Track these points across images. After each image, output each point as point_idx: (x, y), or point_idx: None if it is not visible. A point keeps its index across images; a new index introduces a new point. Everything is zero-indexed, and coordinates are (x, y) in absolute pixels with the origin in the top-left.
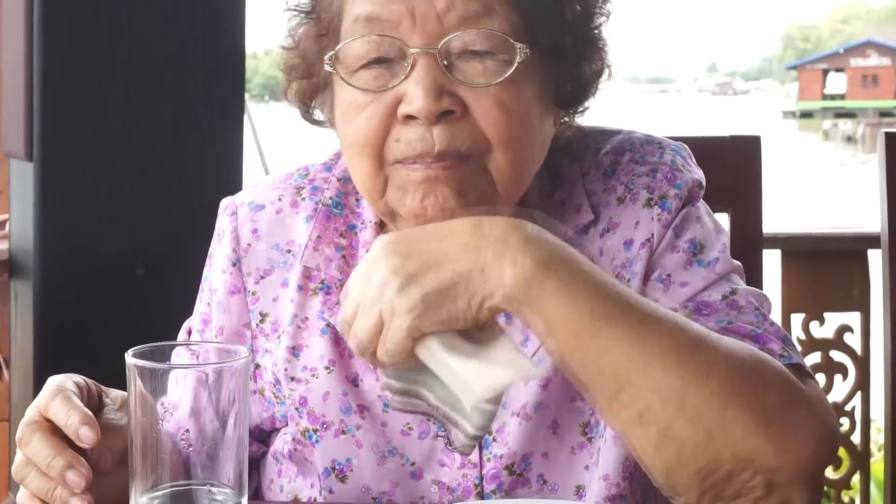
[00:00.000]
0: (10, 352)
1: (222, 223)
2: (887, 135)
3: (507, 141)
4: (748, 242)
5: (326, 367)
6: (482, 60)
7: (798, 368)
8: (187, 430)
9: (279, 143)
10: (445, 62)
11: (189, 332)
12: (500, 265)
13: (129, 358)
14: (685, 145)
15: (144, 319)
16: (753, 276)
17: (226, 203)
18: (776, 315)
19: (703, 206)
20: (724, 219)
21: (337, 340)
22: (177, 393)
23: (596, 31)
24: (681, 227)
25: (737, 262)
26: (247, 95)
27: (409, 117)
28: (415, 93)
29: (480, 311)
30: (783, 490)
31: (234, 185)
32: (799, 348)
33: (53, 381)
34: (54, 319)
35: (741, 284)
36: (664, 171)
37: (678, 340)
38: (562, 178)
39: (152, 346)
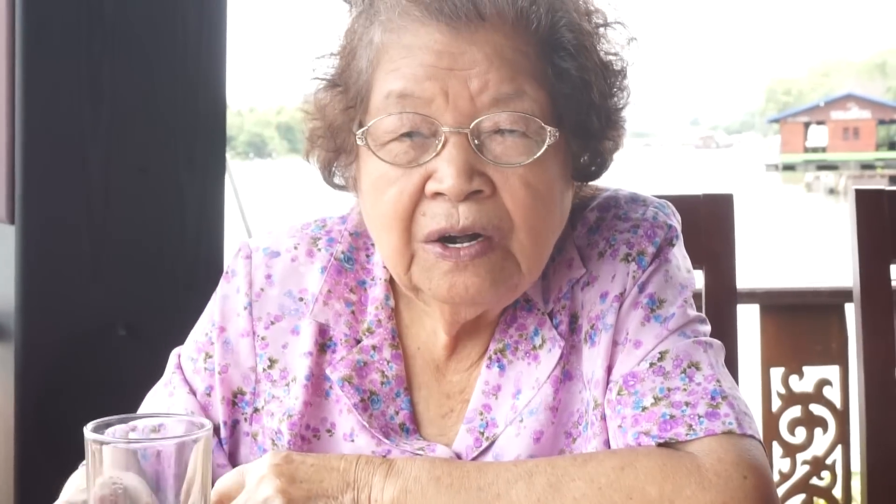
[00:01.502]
0: None
1: (236, 265)
2: (857, 192)
3: (531, 220)
4: (723, 297)
5: (328, 430)
6: (512, 140)
7: (712, 433)
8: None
9: (263, 200)
10: (476, 141)
11: (179, 358)
12: (368, 494)
13: (88, 433)
14: (667, 202)
15: (128, 381)
16: (728, 330)
17: (241, 246)
18: (754, 371)
19: (674, 257)
20: (699, 275)
21: (337, 399)
22: (137, 467)
23: (617, 110)
24: (646, 283)
25: (695, 314)
26: (231, 153)
27: (438, 194)
28: (446, 171)
29: None
30: None
31: (215, 245)
32: (768, 397)
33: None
34: (36, 383)
35: (686, 338)
36: (645, 227)
37: (538, 490)
38: None
39: (114, 418)
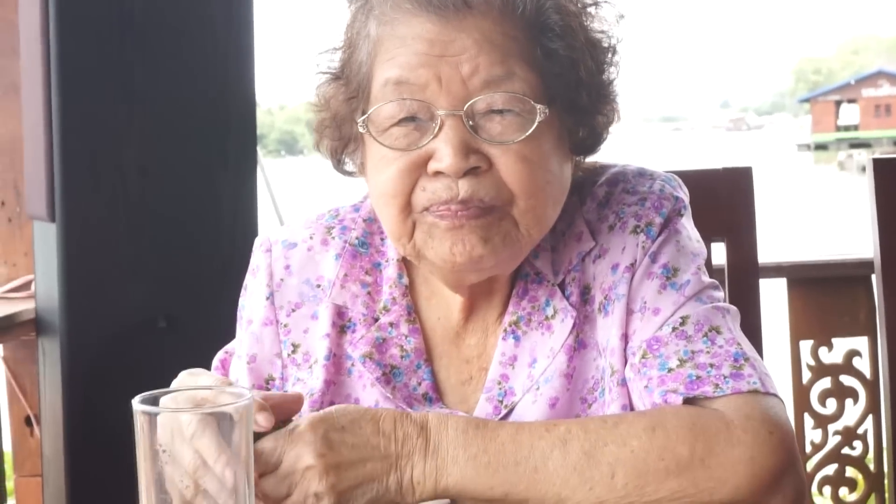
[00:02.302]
0: (39, 408)
1: (258, 259)
2: (875, 161)
3: (530, 192)
4: (745, 270)
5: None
6: (505, 119)
7: (739, 392)
8: (195, 471)
9: (296, 194)
10: (471, 122)
11: (227, 354)
12: (409, 478)
13: (137, 405)
14: (675, 175)
15: (168, 371)
16: (751, 301)
17: (261, 240)
18: (783, 342)
19: (683, 227)
20: (720, 248)
21: (360, 375)
22: (180, 437)
23: (607, 84)
24: (657, 253)
25: (708, 280)
26: (262, 150)
27: (438, 173)
28: (444, 151)
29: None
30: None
31: (249, 238)
32: (800, 369)
33: (209, 377)
34: (81, 375)
35: (704, 304)
36: (652, 199)
37: (576, 463)
38: (563, 209)
39: (159, 392)
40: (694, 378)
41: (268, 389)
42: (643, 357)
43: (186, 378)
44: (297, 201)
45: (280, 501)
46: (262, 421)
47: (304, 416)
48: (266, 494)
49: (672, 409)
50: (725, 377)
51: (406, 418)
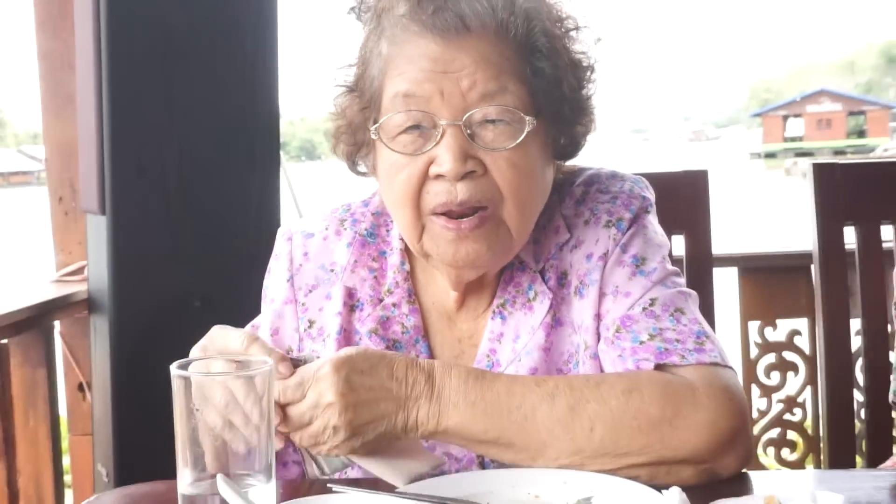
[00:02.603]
0: (91, 376)
1: (280, 246)
2: (815, 166)
3: (517, 193)
4: (701, 259)
5: None
6: (498, 128)
7: (702, 362)
8: (226, 405)
9: (314, 193)
10: (469, 131)
11: (253, 328)
12: (415, 419)
13: (174, 369)
14: (643, 178)
15: (208, 357)
16: (705, 287)
17: (283, 230)
18: (733, 319)
19: (650, 223)
20: (679, 240)
21: (367, 347)
22: (213, 398)
23: (586, 99)
24: (627, 245)
25: (672, 268)
26: (285, 155)
27: (439, 176)
28: (445, 157)
29: (398, 439)
30: (706, 465)
31: (273, 229)
32: (747, 347)
33: (238, 332)
34: (127, 348)
35: (670, 288)
36: (623, 198)
37: (561, 415)
38: (544, 206)
39: (193, 359)
40: (662, 350)
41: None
42: (617, 331)
43: (217, 331)
44: (315, 198)
45: (300, 429)
46: (283, 370)
47: (329, 358)
48: (288, 423)
49: (647, 374)
50: (690, 350)
51: (415, 366)
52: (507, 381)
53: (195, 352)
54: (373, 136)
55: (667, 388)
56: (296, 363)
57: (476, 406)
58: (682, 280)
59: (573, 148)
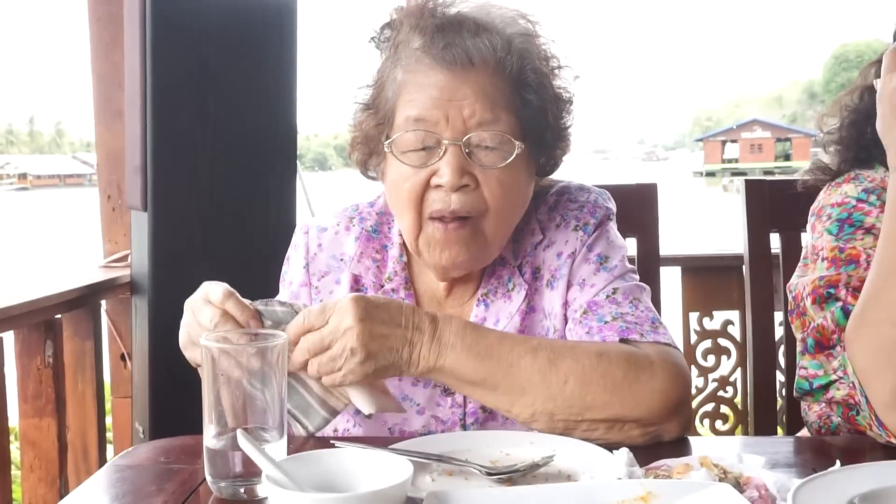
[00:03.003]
0: (131, 348)
1: (298, 238)
2: (746, 182)
3: (501, 207)
4: (649, 259)
5: None
6: (491, 151)
7: (658, 342)
8: (248, 389)
9: (324, 198)
10: (467, 150)
11: None
12: (417, 355)
13: (203, 340)
14: (605, 190)
15: (229, 330)
16: (653, 284)
17: (301, 225)
18: (677, 310)
19: (612, 229)
20: (632, 242)
21: None
22: (238, 364)
23: (565, 127)
24: (592, 245)
25: (629, 266)
26: (301, 165)
27: (438, 186)
28: (445, 171)
29: (400, 373)
30: (653, 427)
31: (290, 227)
32: (688, 333)
33: (220, 287)
34: (163, 325)
35: (628, 281)
36: (589, 207)
37: (541, 366)
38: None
39: (221, 333)
40: (624, 328)
41: None
42: (584, 313)
43: (205, 284)
44: (325, 202)
45: (319, 354)
46: (253, 324)
47: (348, 294)
48: (309, 350)
49: (615, 344)
50: (647, 330)
51: (422, 311)
52: (498, 334)
53: (190, 301)
54: (385, 150)
55: (630, 357)
56: (263, 314)
57: (470, 350)
58: (637, 276)
59: (552, 167)
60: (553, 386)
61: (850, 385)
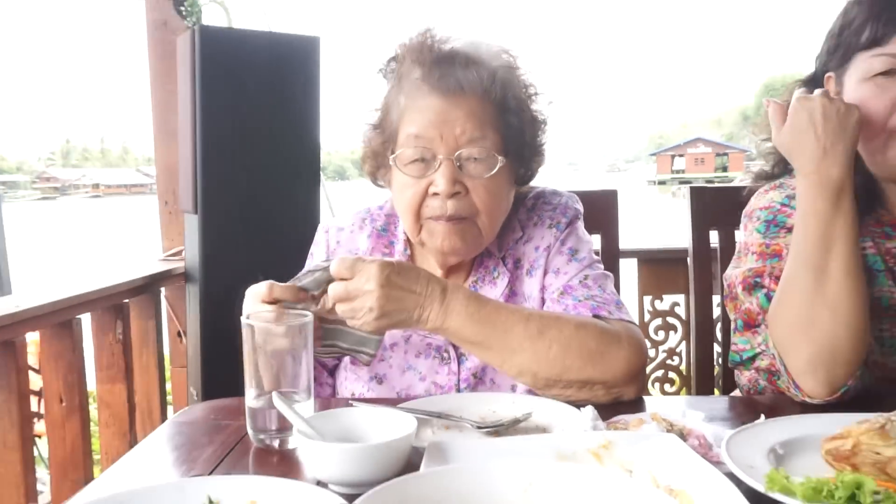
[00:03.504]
0: (185, 326)
1: (320, 236)
2: (692, 189)
3: (488, 210)
4: (611, 252)
5: None
6: (478, 163)
7: (622, 319)
8: (281, 359)
9: (343, 204)
10: (458, 163)
11: None
12: (428, 316)
13: (244, 320)
14: (574, 195)
15: (266, 311)
16: (614, 271)
17: (323, 225)
18: (633, 295)
19: (580, 227)
20: (596, 238)
21: None
22: (273, 339)
23: (541, 145)
24: (565, 240)
25: (596, 257)
26: (323, 176)
27: (435, 194)
28: (440, 181)
29: (409, 327)
30: (616, 389)
31: (313, 227)
32: (642, 313)
33: (264, 285)
34: (211, 307)
35: (596, 270)
36: (561, 208)
37: (531, 333)
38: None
39: (259, 312)
40: (595, 306)
41: None
42: (560, 294)
43: (253, 287)
44: (344, 205)
45: (344, 302)
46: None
47: (378, 258)
48: (336, 296)
49: (591, 319)
50: (613, 310)
51: (435, 279)
52: (497, 304)
53: (248, 297)
54: (391, 163)
55: (603, 331)
56: (307, 287)
57: (472, 317)
58: (602, 266)
59: (529, 177)
60: (539, 350)
61: (772, 356)
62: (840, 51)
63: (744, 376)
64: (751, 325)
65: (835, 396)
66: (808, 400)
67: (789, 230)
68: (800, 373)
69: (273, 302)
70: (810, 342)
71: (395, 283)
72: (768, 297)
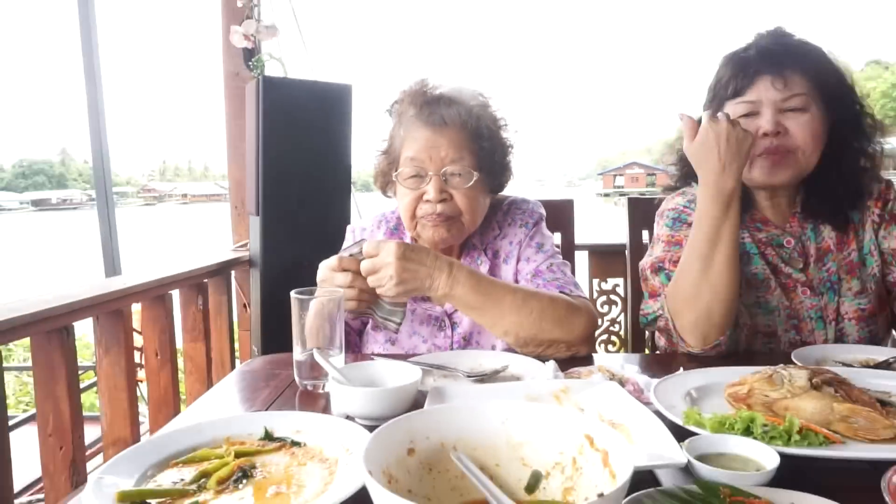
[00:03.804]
0: (249, 300)
1: (348, 234)
2: (629, 199)
3: (469, 211)
4: (568, 246)
5: None
6: (459, 177)
7: (580, 296)
8: (320, 323)
9: (367, 210)
10: (444, 178)
11: None
12: (438, 285)
13: (293, 294)
14: (539, 202)
15: (308, 285)
16: (571, 261)
17: (350, 226)
18: (585, 278)
19: (543, 226)
20: (558, 236)
21: None
22: (313, 310)
23: (508, 164)
24: (533, 236)
25: (557, 249)
26: (353, 188)
27: (428, 201)
28: (431, 191)
29: (424, 294)
30: (574, 348)
31: (345, 226)
32: (592, 292)
33: (332, 259)
34: (269, 286)
35: (558, 259)
36: (528, 212)
37: (518, 302)
38: (485, 216)
39: (304, 289)
40: (560, 285)
41: None
42: (533, 276)
43: (325, 261)
44: (368, 211)
45: (371, 274)
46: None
47: (395, 241)
48: (365, 271)
49: (560, 294)
50: (573, 289)
51: (442, 256)
52: (491, 279)
53: (321, 268)
54: (394, 179)
55: (569, 303)
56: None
57: (472, 288)
58: (561, 256)
59: (500, 188)
60: (522, 315)
61: (666, 319)
62: (716, 100)
63: (661, 340)
64: (653, 296)
65: (708, 348)
66: (690, 350)
67: (689, 225)
68: (685, 332)
69: (341, 270)
70: (694, 311)
71: (409, 257)
72: (668, 277)
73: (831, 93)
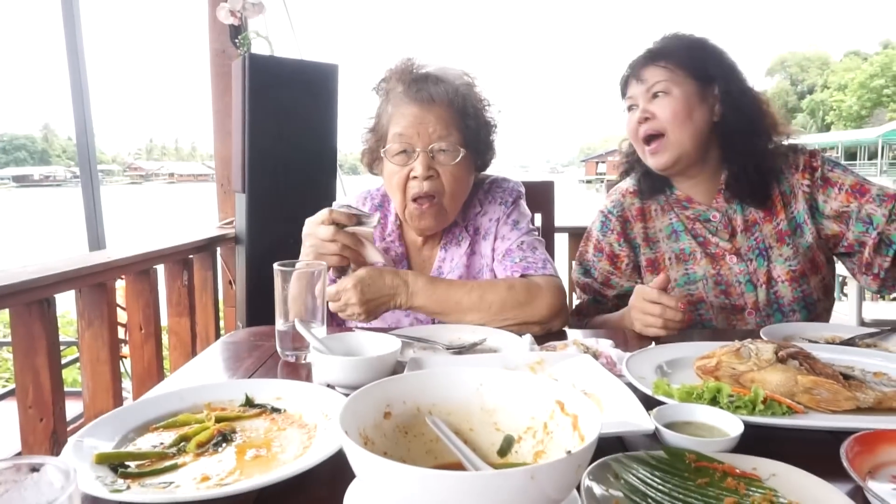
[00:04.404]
0: (234, 276)
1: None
2: (607, 182)
3: (454, 190)
4: (549, 228)
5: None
6: (446, 154)
7: (546, 273)
8: (302, 295)
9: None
10: (431, 154)
11: None
12: (399, 301)
13: (276, 266)
14: (520, 182)
15: (293, 260)
16: (551, 242)
17: (336, 204)
18: (565, 259)
19: (522, 204)
20: (538, 217)
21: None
22: (296, 282)
23: (492, 142)
24: (510, 214)
25: (533, 227)
26: (339, 170)
27: (415, 177)
28: (418, 168)
29: (388, 310)
30: (546, 325)
31: (329, 205)
32: (570, 272)
33: (324, 211)
34: (254, 263)
35: (531, 237)
36: (508, 190)
37: (475, 300)
38: (469, 195)
39: (287, 262)
40: (525, 266)
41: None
42: (503, 256)
43: (310, 217)
44: (353, 191)
45: (334, 301)
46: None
47: (354, 274)
48: (328, 297)
49: (518, 279)
50: (539, 268)
51: (398, 275)
52: (448, 282)
53: (308, 224)
54: (382, 156)
55: (528, 286)
56: (358, 218)
57: (430, 297)
58: (537, 233)
59: (484, 166)
60: (483, 310)
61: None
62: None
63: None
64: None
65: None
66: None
67: (613, 232)
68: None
69: (332, 223)
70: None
71: (367, 282)
72: (585, 272)
73: (703, 73)
